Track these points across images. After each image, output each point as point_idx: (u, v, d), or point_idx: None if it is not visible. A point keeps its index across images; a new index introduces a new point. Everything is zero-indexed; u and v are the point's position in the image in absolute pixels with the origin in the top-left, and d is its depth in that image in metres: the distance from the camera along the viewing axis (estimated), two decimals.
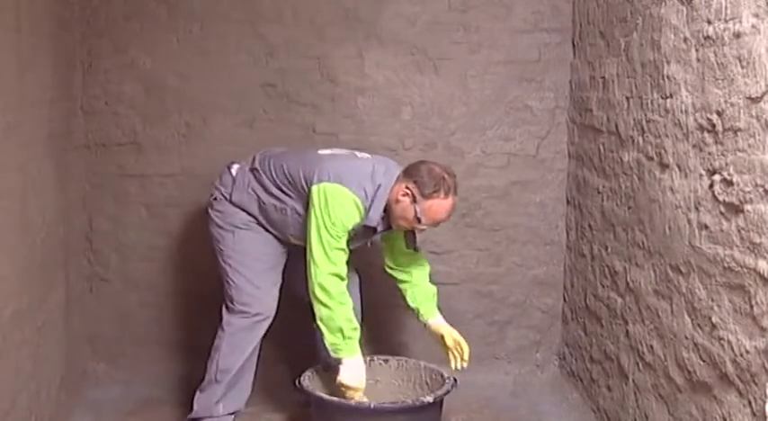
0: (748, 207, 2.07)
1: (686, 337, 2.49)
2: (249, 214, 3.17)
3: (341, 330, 2.97)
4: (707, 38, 2.31)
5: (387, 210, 3.03)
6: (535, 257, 3.91)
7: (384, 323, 3.75)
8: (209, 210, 3.24)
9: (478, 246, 3.88)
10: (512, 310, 3.93)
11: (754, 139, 2.03)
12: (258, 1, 3.70)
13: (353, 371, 3.01)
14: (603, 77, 3.31)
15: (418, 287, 3.31)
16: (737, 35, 2.12)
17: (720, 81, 2.23)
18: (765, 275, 1.99)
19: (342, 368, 3.01)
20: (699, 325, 2.40)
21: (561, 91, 3.81)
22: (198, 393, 3.24)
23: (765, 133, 1.99)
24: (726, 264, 2.20)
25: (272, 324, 3.19)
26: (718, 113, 2.24)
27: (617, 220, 3.18)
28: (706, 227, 2.33)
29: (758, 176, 2.01)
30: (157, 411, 3.53)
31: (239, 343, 3.15)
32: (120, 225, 3.79)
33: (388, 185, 3.00)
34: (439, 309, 3.30)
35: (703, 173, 2.35)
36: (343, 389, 3.02)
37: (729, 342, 2.19)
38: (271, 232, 3.19)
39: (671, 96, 2.60)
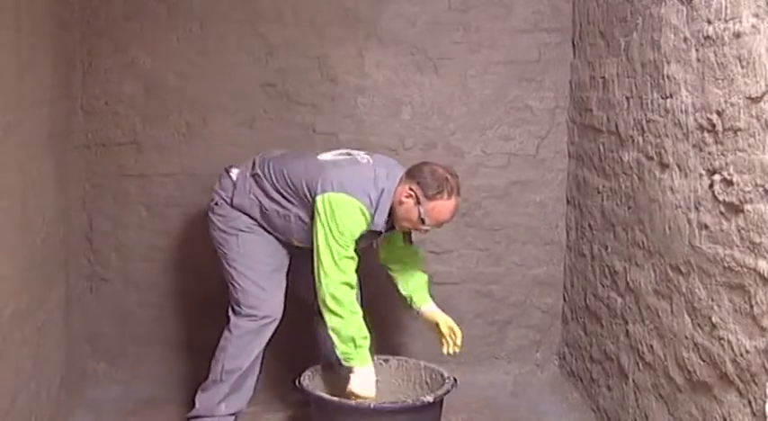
0: (748, 207, 2.07)
1: (686, 337, 2.49)
2: (251, 218, 3.17)
3: (353, 339, 2.97)
4: (707, 38, 2.31)
5: (390, 211, 3.03)
6: (535, 257, 3.91)
7: (384, 323, 3.75)
8: (211, 215, 3.23)
9: (478, 245, 3.88)
10: (512, 310, 3.93)
11: (754, 139, 2.03)
12: (258, 1, 3.70)
13: (364, 380, 3.01)
14: (603, 77, 3.31)
15: (410, 275, 3.31)
16: (737, 35, 2.12)
17: (720, 81, 2.23)
18: (765, 275, 1.99)
19: (353, 377, 3.00)
20: (699, 325, 2.40)
21: (561, 91, 3.81)
22: (200, 392, 3.24)
23: (765, 133, 1.99)
24: (726, 264, 2.20)
25: (279, 326, 3.19)
26: (718, 113, 2.24)
27: (617, 220, 3.18)
28: (706, 226, 2.33)
29: (758, 176, 2.01)
30: (158, 411, 3.53)
31: (246, 345, 3.15)
32: (120, 225, 3.79)
33: (391, 189, 3.00)
34: (439, 308, 3.30)
35: (703, 173, 2.35)
36: (353, 397, 3.02)
37: (729, 342, 2.19)
38: (273, 234, 3.19)
39: (671, 96, 2.60)
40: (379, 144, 3.71)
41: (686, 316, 2.49)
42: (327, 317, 2.99)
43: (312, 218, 3.02)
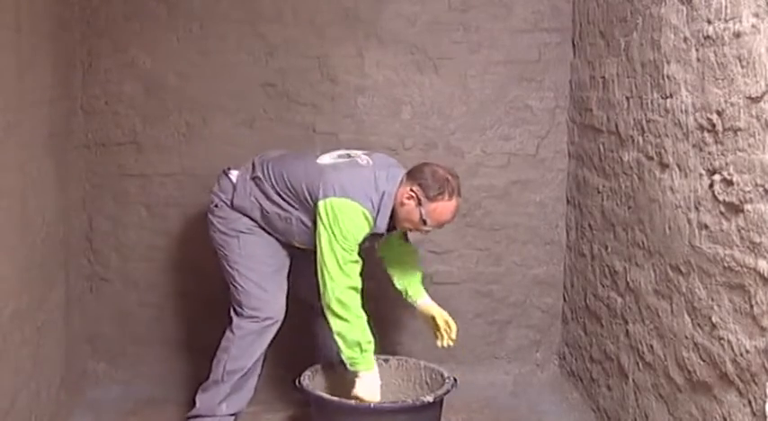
0: (748, 207, 2.07)
1: (686, 337, 2.49)
2: (252, 219, 3.16)
3: (359, 344, 2.97)
4: (707, 37, 2.31)
5: (392, 212, 3.03)
6: (535, 257, 3.91)
7: (384, 323, 3.74)
8: (210, 217, 3.22)
9: (478, 245, 3.88)
10: (512, 310, 3.93)
11: (754, 139, 2.03)
12: (258, 1, 3.70)
13: (370, 385, 3.01)
14: (603, 77, 3.31)
15: (405, 270, 3.32)
16: (737, 35, 2.12)
17: (720, 81, 2.23)
18: (765, 275, 1.99)
19: (358, 381, 3.00)
20: (699, 324, 2.40)
21: (561, 91, 3.81)
22: (201, 392, 3.23)
23: (765, 133, 1.99)
24: (726, 264, 2.20)
25: (280, 327, 3.19)
26: (719, 113, 2.24)
27: (617, 220, 3.18)
28: (706, 226, 2.33)
29: (758, 176, 2.02)
30: (158, 411, 3.53)
31: (248, 347, 3.15)
32: (120, 225, 3.79)
33: (392, 191, 3.00)
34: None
35: (703, 172, 2.35)
36: (358, 401, 3.01)
37: (729, 341, 2.19)
38: (274, 236, 3.18)
39: (671, 96, 2.60)
40: (379, 144, 3.71)
41: (686, 316, 2.49)
42: (333, 321, 2.97)
43: (314, 222, 3.01)
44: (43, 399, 2.97)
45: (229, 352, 3.16)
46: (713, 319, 2.29)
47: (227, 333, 3.18)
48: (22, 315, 2.69)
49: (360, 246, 3.01)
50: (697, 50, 2.38)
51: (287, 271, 3.24)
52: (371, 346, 3.01)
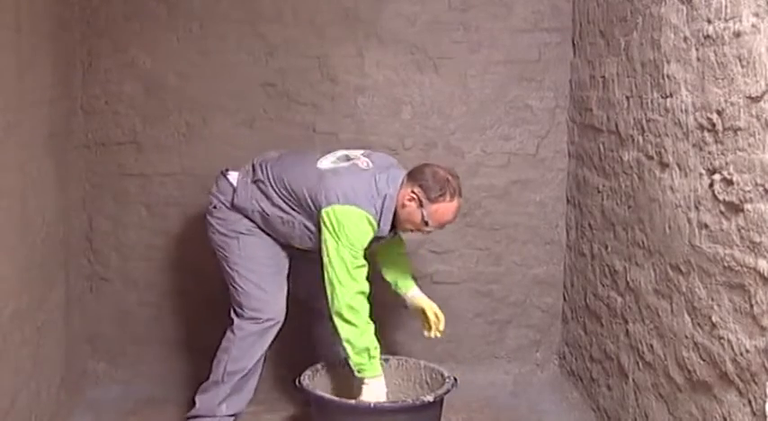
0: (748, 206, 2.07)
1: (686, 337, 2.49)
2: (251, 221, 3.16)
3: (367, 350, 2.97)
4: (707, 37, 2.31)
5: (393, 214, 3.03)
6: (535, 257, 3.91)
7: (384, 322, 3.74)
8: (210, 218, 3.21)
9: (478, 245, 3.88)
10: (512, 310, 3.93)
11: (754, 139, 2.03)
12: (258, 1, 3.70)
13: (376, 391, 3.01)
14: (603, 77, 3.31)
15: (394, 262, 3.33)
16: (737, 34, 2.12)
17: (720, 80, 2.23)
18: (765, 275, 1.99)
19: (365, 388, 3.00)
20: (699, 324, 2.40)
21: (561, 90, 3.81)
22: (201, 392, 3.24)
23: (765, 132, 1.99)
24: (726, 264, 2.20)
25: (281, 328, 3.19)
26: (719, 113, 2.24)
27: (617, 220, 3.18)
28: (706, 226, 2.33)
29: (758, 175, 2.01)
30: (157, 410, 3.53)
31: (249, 348, 3.14)
32: (120, 224, 3.79)
33: (393, 194, 2.99)
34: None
35: (703, 172, 2.35)
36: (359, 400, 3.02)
37: (729, 341, 2.19)
38: (273, 237, 3.18)
39: (671, 95, 2.60)
40: (379, 143, 3.71)
41: (686, 315, 2.49)
42: (342, 328, 2.96)
43: (318, 227, 3.00)
44: (43, 399, 2.97)
45: (230, 353, 3.15)
46: (713, 319, 2.29)
47: (228, 334, 3.18)
48: (22, 315, 2.69)
49: (365, 250, 3.01)
50: (697, 50, 2.38)
51: (287, 272, 3.24)
52: (378, 352, 3.01)
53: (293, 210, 3.07)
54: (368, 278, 3.01)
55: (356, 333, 2.95)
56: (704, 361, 2.36)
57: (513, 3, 3.75)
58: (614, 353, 3.21)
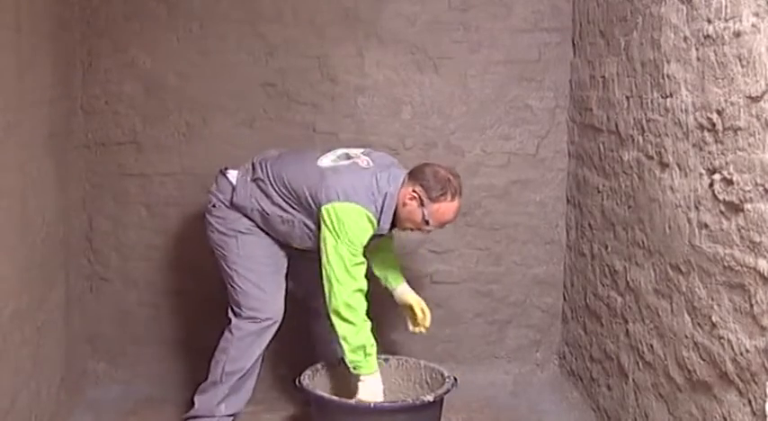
0: (748, 206, 2.07)
1: (686, 336, 2.49)
2: (251, 220, 3.16)
3: (363, 347, 2.97)
4: (707, 37, 2.31)
5: (393, 213, 3.03)
6: (535, 256, 3.91)
7: (383, 322, 3.74)
8: (208, 217, 3.21)
9: (478, 245, 3.88)
10: (512, 310, 3.93)
11: (754, 138, 2.03)
12: (258, 1, 3.70)
13: (372, 388, 3.01)
14: (603, 77, 3.31)
15: (384, 255, 3.33)
16: (737, 34, 2.12)
17: (720, 80, 2.23)
18: (765, 274, 1.99)
19: (361, 385, 3.00)
20: (699, 324, 2.40)
21: (561, 90, 3.81)
22: (199, 392, 3.24)
23: (765, 132, 1.99)
24: (726, 263, 2.20)
25: (279, 328, 3.19)
26: (719, 112, 2.24)
27: (617, 219, 3.18)
28: (706, 226, 2.33)
29: (758, 175, 2.01)
30: (157, 410, 3.53)
31: (247, 348, 3.14)
32: (120, 224, 3.79)
33: (394, 193, 2.99)
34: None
35: (703, 172, 2.35)
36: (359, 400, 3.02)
37: (729, 341, 2.19)
38: (272, 236, 3.18)
39: (671, 95, 2.60)
40: (379, 143, 3.70)
41: (686, 315, 2.49)
42: (338, 325, 2.96)
43: (318, 225, 3.00)
44: (43, 399, 2.97)
45: (228, 353, 3.15)
46: (713, 319, 2.29)
47: (226, 334, 3.18)
48: (22, 315, 2.69)
49: (364, 247, 3.01)
50: (697, 50, 2.38)
51: (285, 271, 3.24)
52: (374, 350, 3.01)
53: (293, 208, 3.07)
54: (366, 275, 3.01)
55: (353, 330, 2.95)
56: (704, 361, 2.36)
57: (513, 3, 3.75)
58: (614, 352, 3.21)
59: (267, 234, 3.17)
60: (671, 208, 2.60)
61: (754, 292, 2.05)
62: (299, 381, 3.11)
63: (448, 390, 3.06)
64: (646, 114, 2.84)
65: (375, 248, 3.26)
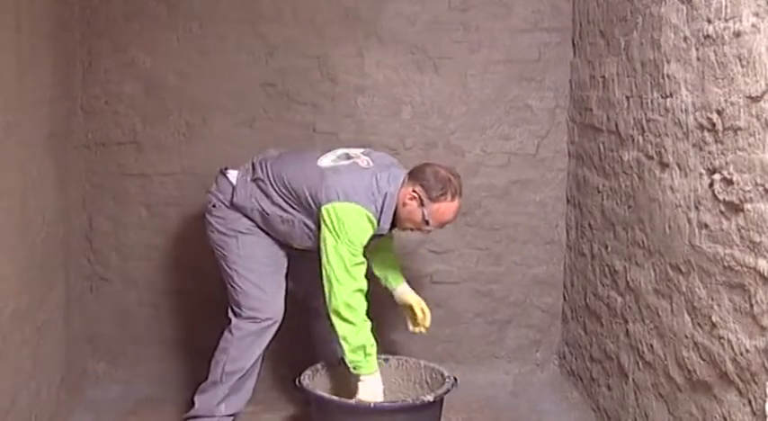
0: (748, 206, 2.07)
1: (686, 336, 2.49)
2: (251, 220, 3.16)
3: (363, 347, 2.97)
4: (707, 37, 2.31)
5: (393, 213, 3.03)
6: (535, 256, 3.91)
7: (383, 322, 3.74)
8: (208, 217, 3.21)
9: (478, 245, 3.88)
10: (512, 309, 3.93)
11: (754, 138, 2.03)
12: (258, 1, 3.70)
13: (372, 388, 3.01)
14: (603, 76, 3.31)
15: (384, 255, 3.34)
16: (737, 34, 2.12)
17: (720, 80, 2.23)
18: (765, 274, 1.99)
19: (361, 385, 3.00)
20: (699, 324, 2.40)
21: (561, 90, 3.81)
22: (199, 392, 3.24)
23: (765, 132, 1.99)
24: (726, 263, 2.20)
25: (279, 327, 3.19)
26: (719, 112, 2.24)
27: (617, 219, 3.18)
28: (706, 226, 2.33)
29: (758, 175, 2.01)
30: (157, 410, 3.53)
31: (247, 348, 3.14)
32: (120, 224, 3.79)
33: (394, 193, 2.99)
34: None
35: (703, 172, 2.35)
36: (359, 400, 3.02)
37: (729, 341, 2.19)
38: (272, 236, 3.18)
39: (671, 95, 2.60)
40: (379, 143, 3.70)
41: (686, 315, 2.49)
42: (338, 325, 2.96)
43: (318, 225, 3.00)
44: (43, 399, 2.97)
45: (228, 353, 3.15)
46: (713, 319, 2.29)
47: (226, 334, 3.18)
48: (22, 315, 2.69)
49: (364, 247, 3.01)
50: (697, 50, 2.38)
51: (285, 271, 3.24)
52: (374, 350, 3.01)
53: (293, 208, 3.07)
54: (366, 275, 3.01)
55: (353, 330, 2.95)
56: (704, 360, 2.36)
57: (513, 3, 3.75)
58: (614, 352, 3.21)
59: (267, 234, 3.17)
60: (671, 208, 2.60)
61: (754, 292, 2.05)
62: (299, 381, 3.11)
63: (448, 390, 3.06)
64: (646, 114, 2.84)
65: (375, 248, 3.26)
